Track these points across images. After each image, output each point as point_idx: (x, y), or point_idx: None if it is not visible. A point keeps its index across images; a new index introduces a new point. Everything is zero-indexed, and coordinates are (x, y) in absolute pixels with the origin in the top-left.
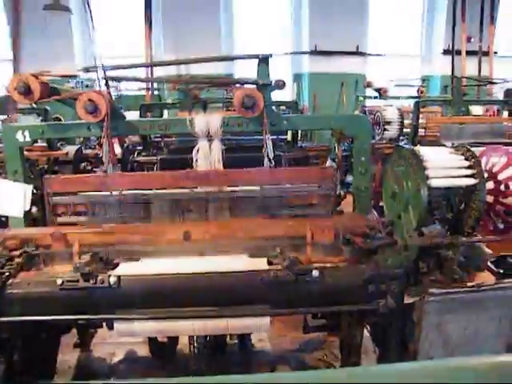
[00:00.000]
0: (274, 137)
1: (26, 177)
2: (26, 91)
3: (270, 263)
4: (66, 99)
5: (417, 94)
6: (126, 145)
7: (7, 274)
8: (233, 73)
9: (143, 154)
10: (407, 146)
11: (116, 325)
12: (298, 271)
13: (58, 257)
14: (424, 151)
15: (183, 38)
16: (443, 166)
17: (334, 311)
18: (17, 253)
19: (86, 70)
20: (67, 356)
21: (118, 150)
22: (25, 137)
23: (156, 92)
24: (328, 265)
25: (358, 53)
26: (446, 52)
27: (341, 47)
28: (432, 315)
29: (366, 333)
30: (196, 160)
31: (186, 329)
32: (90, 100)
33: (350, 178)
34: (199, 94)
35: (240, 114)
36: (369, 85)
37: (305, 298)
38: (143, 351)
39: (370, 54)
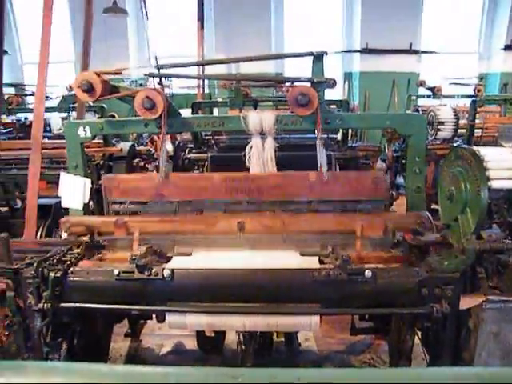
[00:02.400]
0: (325, 136)
1: (86, 171)
2: (89, 89)
3: (321, 262)
4: (124, 97)
5: (473, 93)
6: (177, 142)
7: (69, 262)
8: (282, 72)
9: (194, 151)
10: (466, 146)
11: (168, 317)
12: (350, 271)
13: (120, 243)
14: (484, 151)
15: (234, 38)
16: (505, 167)
17: (385, 313)
18: (83, 239)
19: (149, 75)
20: (119, 344)
21: (170, 147)
22: (85, 132)
23: (206, 91)
24: (379, 265)
25: (410, 50)
26: (507, 48)
27: (393, 45)
28: (490, 324)
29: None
30: (249, 157)
31: (237, 324)
32: (147, 97)
33: (400, 180)
34: (250, 93)
35: (294, 111)
36: (422, 83)
37: (356, 298)
38: (190, 344)
39: (423, 52)
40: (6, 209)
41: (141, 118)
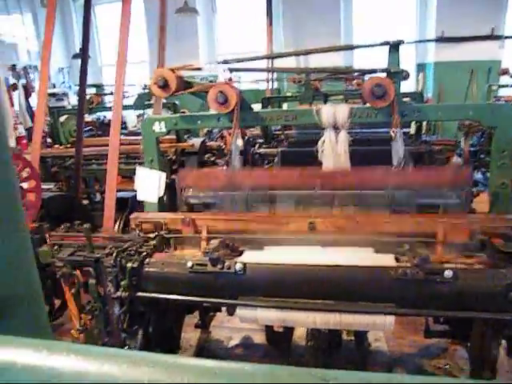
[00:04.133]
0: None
1: (161, 165)
2: (165, 85)
3: (397, 260)
4: (198, 92)
5: None
6: (247, 137)
7: (145, 253)
8: (351, 65)
9: (264, 146)
10: None
11: (238, 310)
12: (428, 270)
13: (187, 241)
14: None
15: (303, 33)
16: None
17: (467, 317)
18: (152, 235)
19: (223, 62)
20: (189, 335)
21: (240, 142)
22: (161, 128)
23: (275, 86)
24: (461, 266)
25: (492, 36)
26: None
27: (472, 32)
28: None
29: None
30: (322, 151)
31: (308, 321)
32: (220, 92)
33: (478, 176)
34: (320, 87)
35: (369, 103)
36: (504, 72)
37: (434, 299)
38: (258, 338)
39: (507, 37)
40: (86, 201)
41: (214, 112)
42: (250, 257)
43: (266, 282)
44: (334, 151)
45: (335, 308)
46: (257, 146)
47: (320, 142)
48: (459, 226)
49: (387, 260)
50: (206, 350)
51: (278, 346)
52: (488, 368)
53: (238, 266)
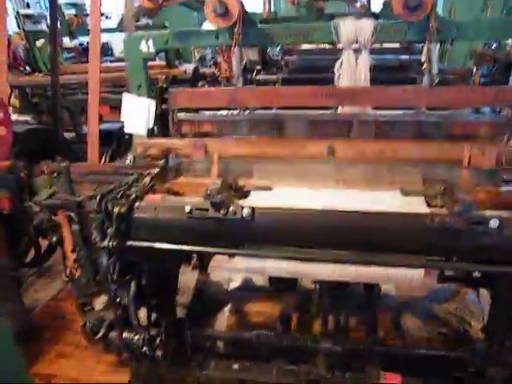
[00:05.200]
0: (407, 57)
1: (150, 92)
2: None
3: (428, 204)
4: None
5: None
6: (243, 62)
7: (134, 196)
8: None
9: (262, 72)
10: None
11: (244, 261)
12: (470, 219)
13: (198, 166)
14: None
15: None
16: None
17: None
18: (158, 162)
19: None
20: (186, 276)
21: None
22: (148, 47)
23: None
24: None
25: None
26: None
27: None
28: None
29: None
30: (338, 75)
31: (324, 273)
32: (220, 1)
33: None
34: (324, 7)
35: (401, 17)
36: None
37: (475, 251)
38: (260, 280)
39: None
40: (73, 134)
41: (211, 28)
42: (257, 199)
43: (277, 229)
44: (352, 76)
45: (356, 260)
46: (255, 72)
47: (337, 65)
48: (487, 152)
49: (418, 204)
50: (205, 292)
51: (281, 290)
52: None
53: (246, 211)
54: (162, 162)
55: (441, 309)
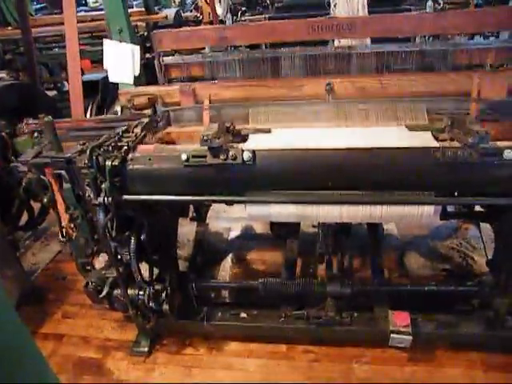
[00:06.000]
0: None
1: (133, 36)
2: None
3: (436, 138)
4: None
5: None
6: (228, 4)
7: (126, 147)
8: None
9: (247, 14)
10: None
11: (248, 208)
12: (483, 151)
13: (187, 114)
14: None
15: None
16: None
17: None
18: (147, 112)
19: None
20: (185, 228)
21: (219, 10)
22: None
23: None
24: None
25: None
26: None
27: None
28: None
29: None
30: (334, 5)
31: (331, 215)
32: None
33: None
34: None
35: None
36: None
37: (484, 184)
38: (260, 228)
39: None
40: (54, 92)
41: None
42: (256, 142)
43: (281, 172)
44: (349, 4)
45: (365, 200)
46: (239, 13)
47: None
48: (497, 81)
49: (425, 139)
50: (205, 243)
51: (283, 236)
52: None
53: (246, 155)
54: (149, 111)
55: (443, 245)
